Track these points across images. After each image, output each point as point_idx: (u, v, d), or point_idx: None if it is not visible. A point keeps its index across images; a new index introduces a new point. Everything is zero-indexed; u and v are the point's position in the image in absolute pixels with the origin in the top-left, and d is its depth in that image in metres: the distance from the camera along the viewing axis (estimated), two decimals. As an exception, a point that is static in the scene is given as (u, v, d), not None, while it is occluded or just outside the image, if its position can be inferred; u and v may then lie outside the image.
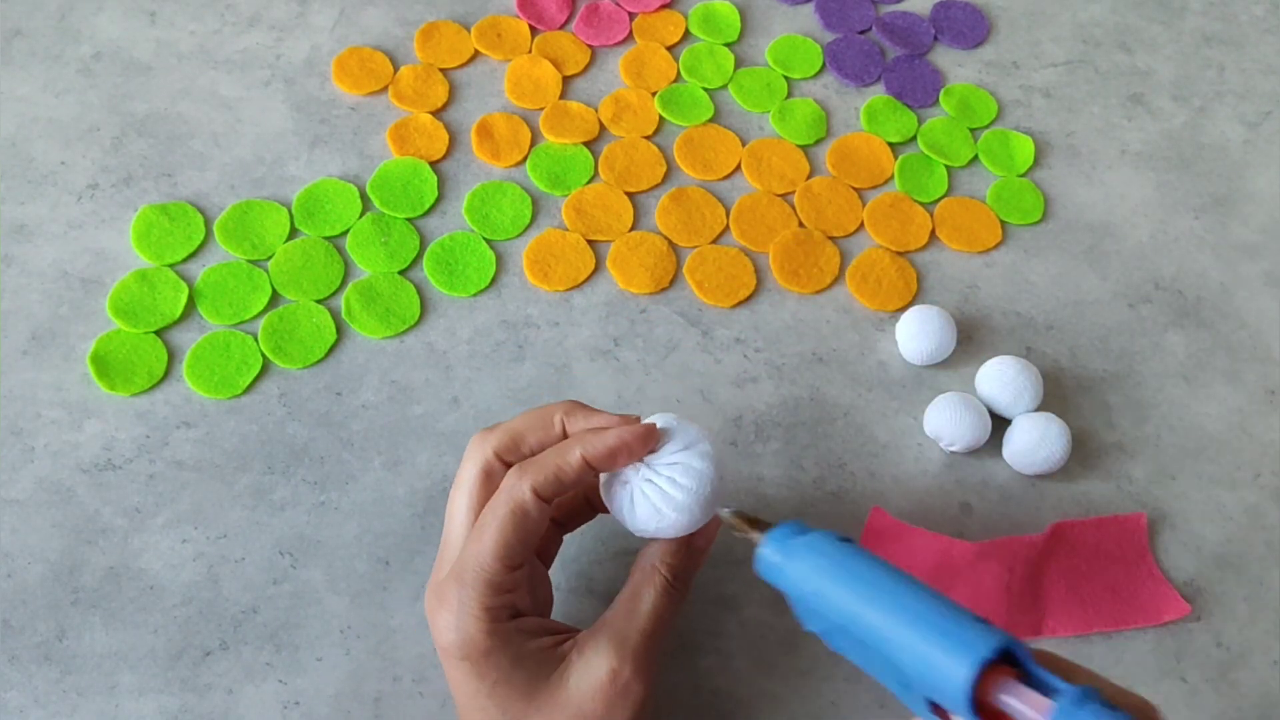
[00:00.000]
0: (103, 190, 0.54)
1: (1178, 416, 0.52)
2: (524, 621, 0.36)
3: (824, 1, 0.65)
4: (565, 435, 0.38)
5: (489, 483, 0.37)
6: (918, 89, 0.62)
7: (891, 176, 0.59)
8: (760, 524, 0.36)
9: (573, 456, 0.36)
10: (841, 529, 0.47)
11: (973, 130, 0.61)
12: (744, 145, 0.59)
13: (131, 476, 0.47)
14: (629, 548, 0.46)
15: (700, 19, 0.64)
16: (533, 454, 0.38)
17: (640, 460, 0.37)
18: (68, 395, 0.48)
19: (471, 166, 0.57)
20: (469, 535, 0.36)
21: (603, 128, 0.59)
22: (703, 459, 0.37)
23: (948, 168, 0.59)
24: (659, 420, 0.38)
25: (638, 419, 0.38)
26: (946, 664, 0.29)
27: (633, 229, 0.55)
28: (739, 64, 0.62)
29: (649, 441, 0.37)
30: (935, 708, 0.30)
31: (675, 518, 0.37)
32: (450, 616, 0.35)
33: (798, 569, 0.33)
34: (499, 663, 0.35)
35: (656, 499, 0.37)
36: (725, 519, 0.37)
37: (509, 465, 0.37)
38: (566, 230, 0.55)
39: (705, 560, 0.40)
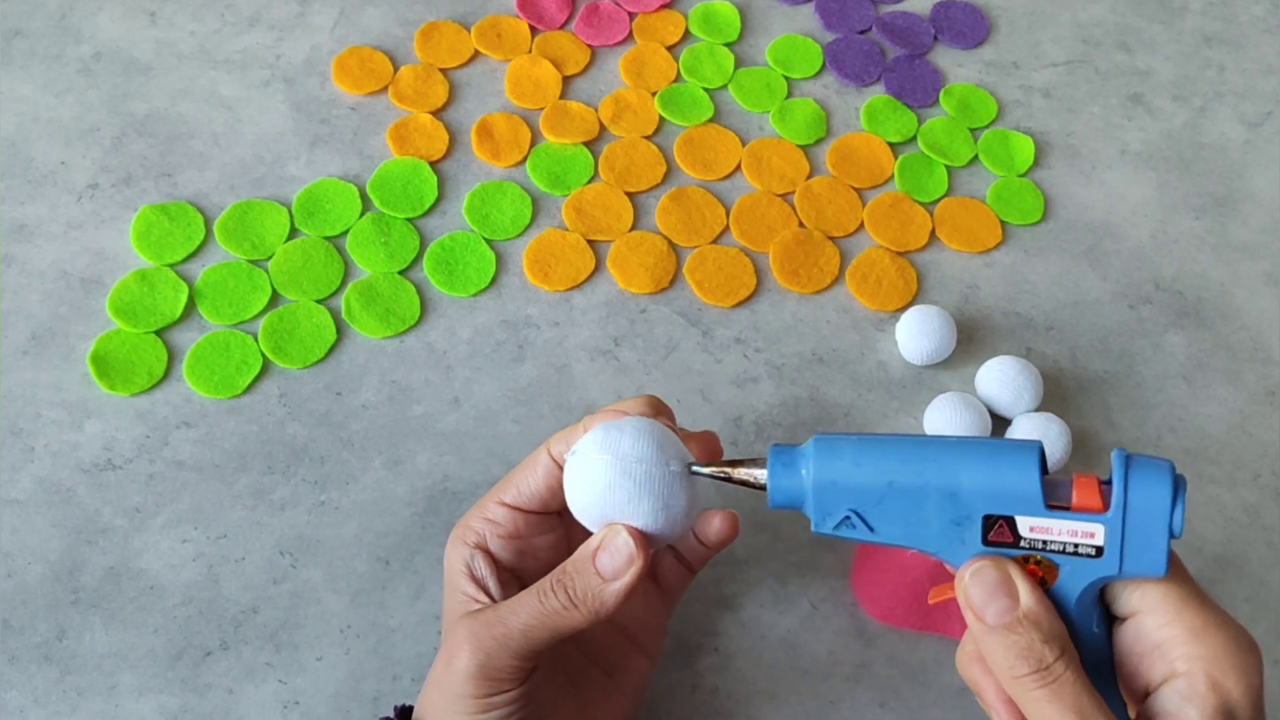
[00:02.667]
0: (103, 190, 0.54)
1: (1178, 417, 0.52)
2: (480, 562, 0.38)
3: (824, 1, 0.65)
4: None
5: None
6: (918, 89, 0.62)
7: (891, 176, 0.59)
8: (743, 460, 0.36)
9: (590, 424, 0.38)
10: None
11: (973, 130, 0.61)
12: (744, 145, 0.59)
13: (131, 476, 0.47)
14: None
15: (700, 19, 0.64)
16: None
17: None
18: (68, 395, 0.48)
19: (471, 166, 0.57)
20: None
21: (603, 128, 0.59)
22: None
23: (948, 168, 0.59)
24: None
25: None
26: (1012, 468, 0.32)
27: (633, 229, 0.55)
28: (739, 64, 0.62)
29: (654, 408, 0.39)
30: (992, 526, 0.32)
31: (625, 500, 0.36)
32: (451, 535, 0.40)
33: (819, 463, 0.34)
34: (448, 580, 0.39)
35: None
36: (706, 473, 0.37)
37: None
38: (566, 230, 0.55)
39: (616, 595, 0.36)
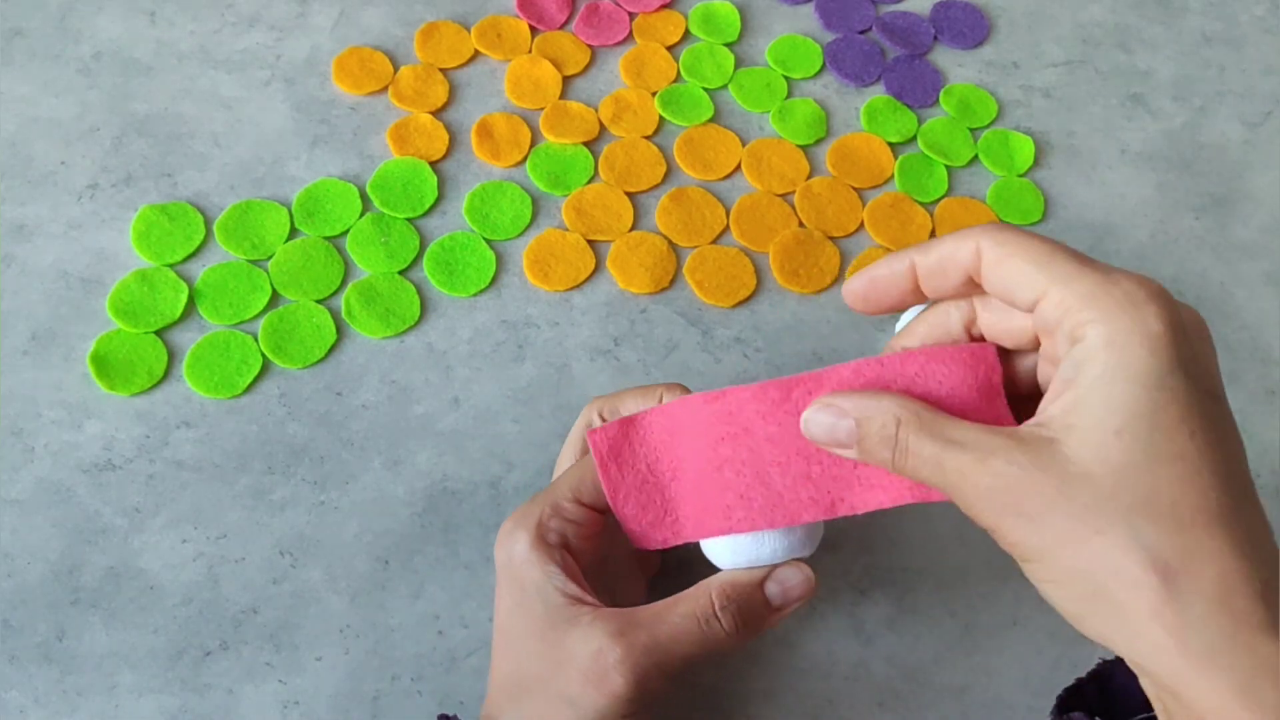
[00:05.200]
0: (103, 190, 0.54)
1: (1177, 416, 0.52)
2: (570, 562, 0.36)
3: (824, 1, 0.65)
4: None
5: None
6: (918, 89, 0.62)
7: (891, 176, 0.59)
8: None
9: (651, 395, 0.37)
10: (841, 530, 0.47)
11: (973, 130, 0.61)
12: (744, 145, 0.59)
13: (131, 476, 0.47)
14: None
15: (700, 19, 0.64)
16: None
17: None
18: (68, 395, 0.48)
19: (471, 166, 0.57)
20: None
21: (603, 128, 0.59)
22: None
23: (948, 168, 0.59)
24: None
25: None
26: None
27: (633, 229, 0.55)
28: (739, 64, 0.62)
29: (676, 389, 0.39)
30: None
31: (772, 538, 0.35)
32: (509, 525, 0.37)
33: None
34: (526, 579, 0.35)
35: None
36: None
37: None
38: (566, 230, 0.55)
39: (774, 623, 0.36)
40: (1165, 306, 0.26)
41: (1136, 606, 0.25)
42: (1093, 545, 0.26)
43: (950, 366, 0.31)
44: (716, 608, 0.34)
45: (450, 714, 0.38)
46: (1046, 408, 0.27)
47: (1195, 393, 0.26)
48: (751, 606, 0.35)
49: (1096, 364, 0.26)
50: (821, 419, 0.31)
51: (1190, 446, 0.26)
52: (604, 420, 0.40)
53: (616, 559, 0.40)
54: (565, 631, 0.34)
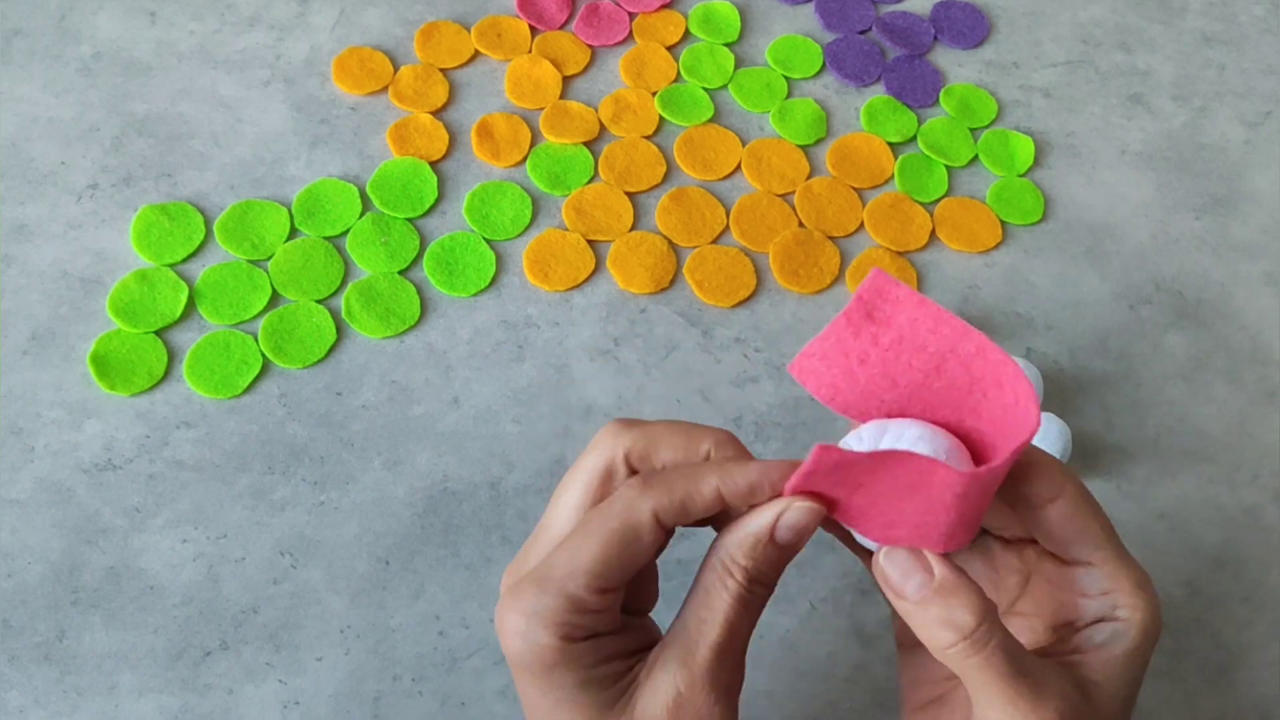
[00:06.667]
0: (103, 190, 0.54)
1: (1178, 417, 0.52)
2: (602, 641, 0.32)
3: (824, 1, 0.65)
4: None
5: (608, 482, 0.33)
6: (918, 89, 0.62)
7: (891, 176, 0.59)
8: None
9: (707, 486, 0.31)
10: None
11: (973, 130, 0.61)
12: (744, 145, 0.59)
13: (131, 476, 0.47)
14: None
15: (700, 19, 0.64)
16: (663, 467, 0.33)
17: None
18: (68, 395, 0.48)
19: (471, 166, 0.57)
20: (567, 537, 0.32)
21: (603, 128, 0.59)
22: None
23: (948, 168, 0.59)
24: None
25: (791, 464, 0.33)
26: None
27: (633, 229, 0.55)
28: (739, 64, 0.62)
29: (792, 473, 0.32)
30: None
31: None
32: (520, 622, 0.31)
33: None
34: (564, 682, 0.31)
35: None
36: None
37: (634, 471, 0.33)
38: (566, 230, 0.55)
39: (794, 555, 0.33)
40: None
41: None
42: None
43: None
44: (746, 580, 0.32)
45: None
46: (1089, 661, 0.32)
47: None
48: (766, 558, 0.32)
49: (1129, 641, 0.32)
50: (903, 558, 0.31)
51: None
52: (630, 467, 0.33)
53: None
54: (629, 699, 0.32)
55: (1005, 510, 0.34)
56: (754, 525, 0.31)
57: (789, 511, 0.31)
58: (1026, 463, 0.32)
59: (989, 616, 0.30)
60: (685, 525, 0.32)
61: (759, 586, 0.32)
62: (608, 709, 0.31)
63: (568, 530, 0.32)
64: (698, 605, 0.32)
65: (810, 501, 0.31)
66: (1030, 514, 0.33)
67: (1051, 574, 0.34)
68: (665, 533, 0.31)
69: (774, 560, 0.32)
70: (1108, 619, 0.32)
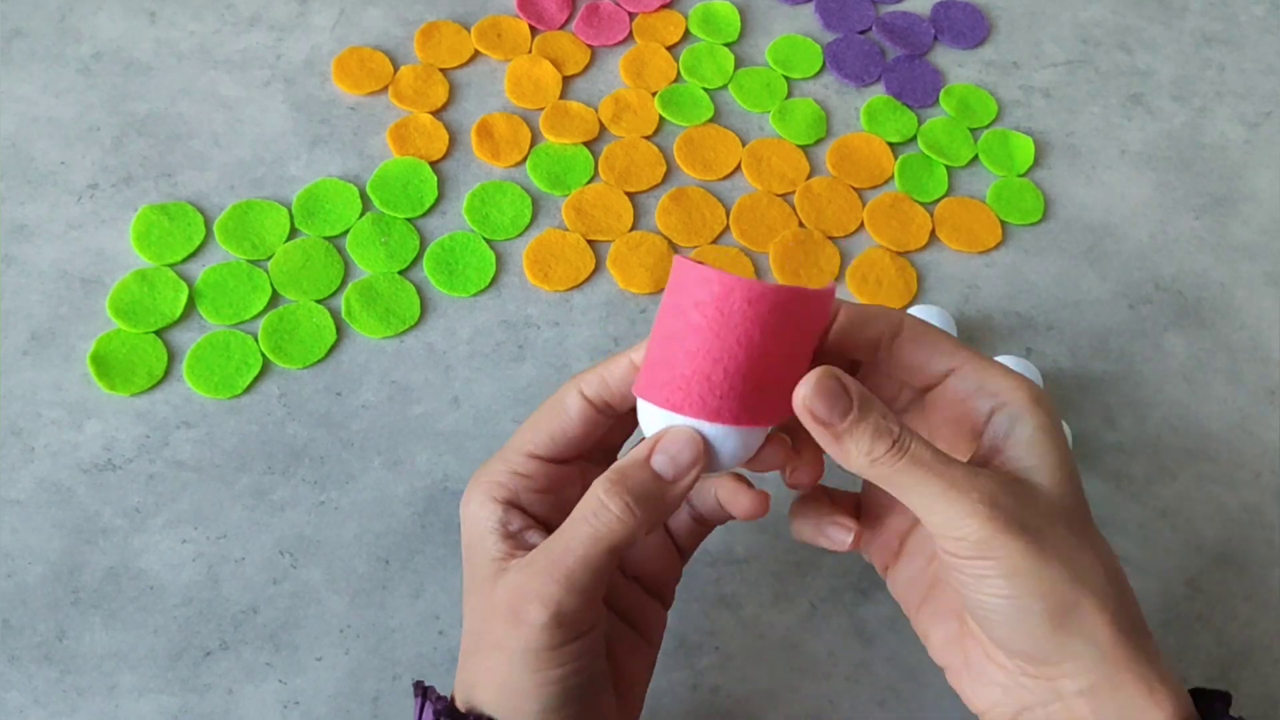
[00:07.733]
0: (103, 190, 0.54)
1: (1178, 416, 0.52)
2: (516, 518, 0.35)
3: (824, 1, 0.65)
4: None
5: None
6: (918, 89, 0.62)
7: (891, 176, 0.59)
8: None
9: (621, 360, 0.35)
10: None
11: (973, 130, 0.61)
12: (744, 145, 0.59)
13: (131, 476, 0.47)
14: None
15: (700, 19, 0.64)
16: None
17: None
18: (68, 395, 0.48)
19: (471, 166, 0.57)
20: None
21: (603, 128, 0.59)
22: None
23: (948, 168, 0.59)
24: None
25: None
26: None
27: (633, 229, 0.55)
28: (739, 64, 0.62)
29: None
30: None
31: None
32: (469, 484, 0.36)
33: None
34: (470, 542, 0.36)
35: None
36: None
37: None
38: (566, 230, 0.55)
39: (676, 498, 0.34)
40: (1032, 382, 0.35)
41: (1097, 618, 0.31)
42: (1081, 560, 0.32)
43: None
44: (603, 496, 0.33)
45: (423, 681, 0.37)
46: (1009, 455, 0.33)
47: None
48: (641, 484, 0.33)
49: (1028, 418, 0.33)
50: (831, 386, 0.32)
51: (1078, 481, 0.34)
52: (585, 397, 0.36)
53: (568, 503, 0.37)
54: (495, 583, 0.34)
55: (881, 376, 0.36)
56: (630, 457, 0.34)
57: (665, 437, 0.33)
58: (861, 313, 0.35)
59: (904, 422, 0.33)
60: (614, 404, 0.35)
61: (621, 508, 0.33)
62: (486, 580, 0.35)
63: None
64: (567, 523, 0.34)
65: (684, 434, 0.33)
66: (885, 355, 0.35)
67: (940, 402, 0.35)
68: (595, 409, 0.35)
69: (653, 494, 0.33)
70: (997, 409, 0.34)
